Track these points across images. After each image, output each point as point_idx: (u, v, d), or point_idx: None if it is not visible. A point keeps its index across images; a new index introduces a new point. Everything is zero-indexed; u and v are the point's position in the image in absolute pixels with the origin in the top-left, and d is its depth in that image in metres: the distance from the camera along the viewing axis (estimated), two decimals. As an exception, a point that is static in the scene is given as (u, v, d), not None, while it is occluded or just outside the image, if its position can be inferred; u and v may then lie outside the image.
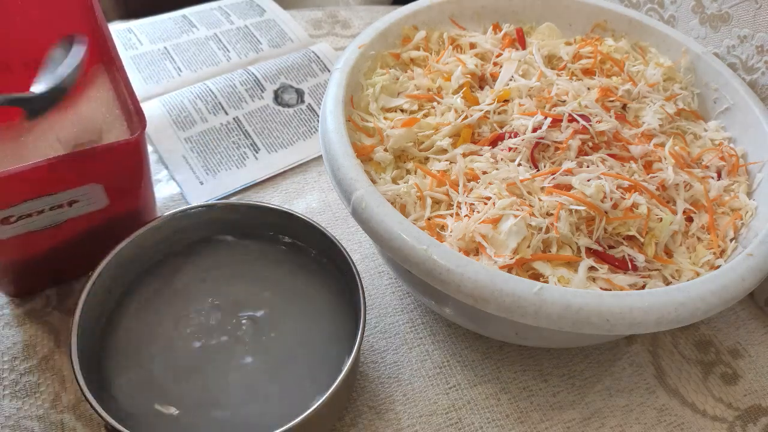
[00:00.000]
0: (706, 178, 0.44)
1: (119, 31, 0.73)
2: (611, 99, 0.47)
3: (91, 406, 0.35)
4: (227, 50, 0.72)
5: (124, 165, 0.42)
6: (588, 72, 0.50)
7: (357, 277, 0.41)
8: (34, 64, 0.50)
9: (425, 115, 0.46)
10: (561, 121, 0.43)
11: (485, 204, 0.40)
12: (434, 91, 0.48)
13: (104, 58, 0.50)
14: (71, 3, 0.48)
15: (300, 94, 0.67)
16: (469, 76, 0.48)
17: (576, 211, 0.39)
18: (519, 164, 0.42)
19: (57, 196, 0.39)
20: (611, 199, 0.39)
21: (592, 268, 0.38)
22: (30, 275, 0.46)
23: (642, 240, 0.39)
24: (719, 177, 0.45)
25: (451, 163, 0.43)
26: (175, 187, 0.58)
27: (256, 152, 0.61)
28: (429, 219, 0.41)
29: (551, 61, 0.51)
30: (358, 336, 0.38)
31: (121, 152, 0.40)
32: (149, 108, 0.64)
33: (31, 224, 0.40)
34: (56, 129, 0.49)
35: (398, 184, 0.42)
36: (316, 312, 0.43)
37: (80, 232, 0.43)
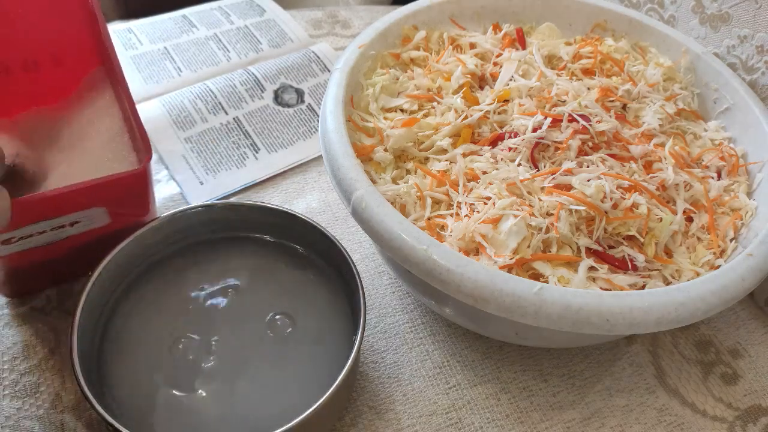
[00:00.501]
0: (706, 178, 0.44)
1: (119, 31, 0.73)
2: (611, 99, 0.47)
3: (91, 406, 0.35)
4: (227, 50, 0.72)
5: (129, 192, 0.42)
6: (588, 72, 0.50)
7: (357, 277, 0.41)
8: (34, 66, 0.50)
9: (425, 115, 0.46)
10: (561, 121, 0.43)
11: (485, 204, 0.40)
12: (434, 91, 0.48)
13: (104, 61, 0.50)
14: (71, 5, 0.48)
15: (300, 94, 0.67)
16: (469, 76, 0.48)
17: (576, 211, 0.39)
18: (519, 164, 0.42)
19: (60, 219, 0.39)
20: (611, 199, 0.39)
21: (592, 268, 0.38)
22: (28, 280, 0.46)
23: (642, 240, 0.39)
24: (719, 177, 0.45)
25: (451, 163, 0.43)
26: (175, 187, 0.58)
27: (256, 152, 0.61)
28: (429, 219, 0.41)
29: (551, 61, 0.51)
30: (358, 336, 0.38)
31: (128, 181, 0.40)
32: (149, 108, 0.64)
33: (31, 243, 0.40)
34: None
35: (398, 184, 0.42)
36: (316, 312, 0.43)
37: (80, 245, 0.43)
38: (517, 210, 0.39)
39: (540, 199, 0.40)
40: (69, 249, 0.43)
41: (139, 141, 0.42)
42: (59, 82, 0.51)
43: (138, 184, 0.42)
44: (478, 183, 0.41)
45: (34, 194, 0.37)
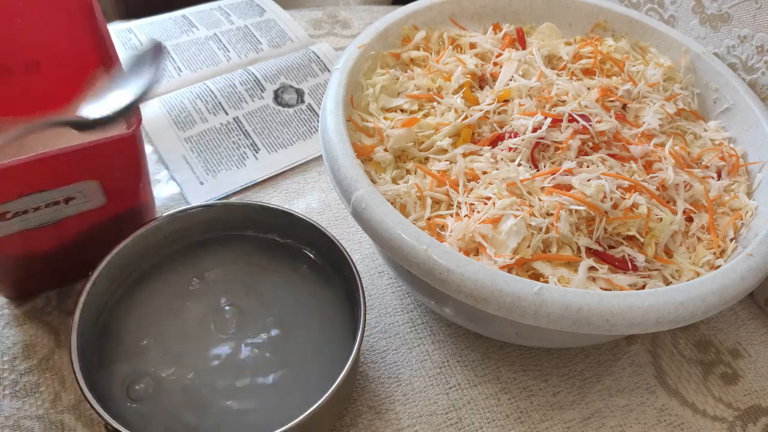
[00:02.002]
0: (706, 178, 0.44)
1: (119, 31, 0.73)
2: (611, 99, 0.47)
3: (91, 406, 0.35)
4: (227, 50, 0.72)
5: (120, 161, 0.41)
6: (588, 72, 0.50)
7: (357, 277, 0.41)
8: (35, 67, 0.50)
9: (425, 115, 0.46)
10: (561, 121, 0.43)
11: (485, 204, 0.40)
12: (434, 91, 0.48)
13: (104, 61, 0.50)
14: (71, 4, 0.48)
15: (300, 94, 0.67)
16: (469, 76, 0.48)
17: (576, 211, 0.39)
18: (519, 164, 0.42)
19: (52, 192, 0.39)
20: (611, 199, 0.39)
21: (592, 268, 0.38)
22: (29, 277, 0.46)
23: (642, 240, 0.39)
24: (719, 177, 0.45)
25: (451, 163, 0.43)
26: (175, 187, 0.58)
27: (256, 152, 0.61)
28: (429, 219, 0.41)
29: (551, 61, 0.51)
30: (358, 336, 0.38)
31: (117, 148, 0.40)
32: (149, 108, 0.64)
33: (28, 222, 0.40)
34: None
35: (398, 184, 0.42)
36: (316, 312, 0.43)
37: (78, 232, 0.43)
38: (517, 210, 0.39)
39: (540, 199, 0.40)
40: (68, 238, 0.43)
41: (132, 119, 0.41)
42: (61, 83, 0.50)
43: (128, 152, 0.41)
44: (478, 183, 0.41)
45: (24, 157, 0.36)
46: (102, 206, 0.43)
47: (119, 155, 0.41)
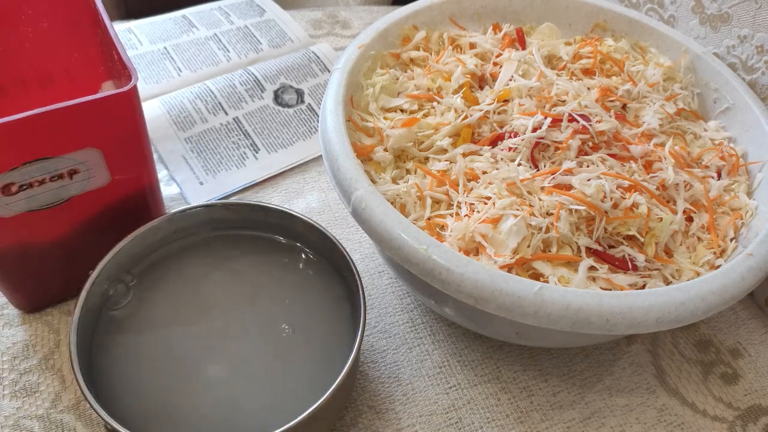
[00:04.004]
0: (706, 178, 0.44)
1: (119, 31, 0.73)
2: (611, 99, 0.47)
3: (91, 406, 0.35)
4: (227, 50, 0.72)
5: (119, 125, 0.40)
6: (588, 72, 0.50)
7: (357, 277, 0.41)
8: (49, 82, 0.50)
9: (425, 115, 0.46)
10: (561, 121, 0.43)
11: (485, 204, 0.40)
12: (434, 91, 0.48)
13: (113, 75, 0.49)
14: (79, 12, 0.48)
15: (300, 94, 0.67)
16: (469, 76, 0.48)
17: (576, 210, 0.39)
18: (519, 164, 0.42)
19: (55, 161, 0.38)
20: (611, 198, 0.39)
21: (592, 268, 0.38)
22: (39, 281, 0.46)
23: (642, 240, 0.39)
24: (719, 177, 0.45)
25: (451, 163, 0.43)
26: (175, 187, 0.58)
27: (256, 152, 0.61)
28: (429, 219, 0.41)
29: (551, 61, 0.51)
30: (358, 336, 0.38)
31: (114, 107, 0.38)
32: (149, 108, 0.64)
33: (34, 200, 0.39)
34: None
35: (398, 184, 0.42)
36: (316, 312, 0.43)
37: (88, 218, 0.42)
38: (517, 210, 0.39)
39: (540, 199, 0.40)
40: (75, 226, 0.42)
41: (122, 72, 0.40)
42: (73, 97, 0.50)
43: (127, 115, 0.40)
44: (478, 183, 0.41)
45: (18, 115, 0.35)
46: (107, 185, 0.42)
47: (118, 118, 0.39)
